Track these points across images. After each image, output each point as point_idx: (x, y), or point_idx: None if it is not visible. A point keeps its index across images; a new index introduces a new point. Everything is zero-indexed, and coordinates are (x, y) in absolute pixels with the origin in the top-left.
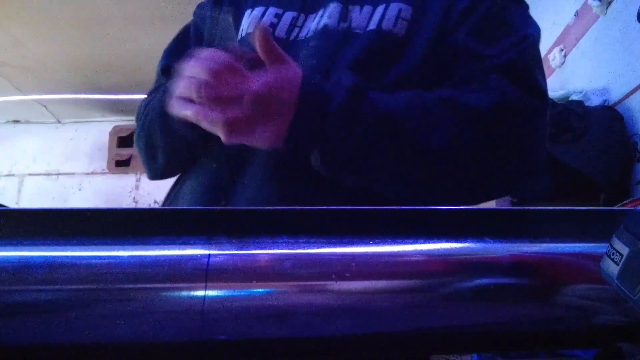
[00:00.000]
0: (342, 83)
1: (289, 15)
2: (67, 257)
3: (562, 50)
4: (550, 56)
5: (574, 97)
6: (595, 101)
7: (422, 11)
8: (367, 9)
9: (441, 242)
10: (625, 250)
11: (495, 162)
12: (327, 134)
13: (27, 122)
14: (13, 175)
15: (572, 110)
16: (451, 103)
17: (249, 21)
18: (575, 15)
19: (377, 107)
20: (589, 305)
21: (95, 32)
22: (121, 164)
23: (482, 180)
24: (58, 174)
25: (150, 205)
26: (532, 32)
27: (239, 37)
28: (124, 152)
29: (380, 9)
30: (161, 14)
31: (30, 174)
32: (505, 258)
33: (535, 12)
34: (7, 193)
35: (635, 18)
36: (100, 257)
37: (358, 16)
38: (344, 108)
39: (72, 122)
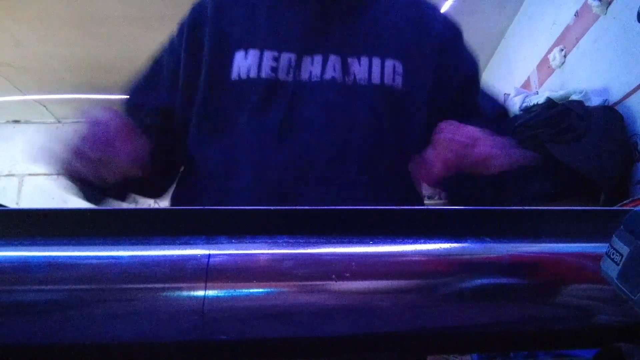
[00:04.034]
0: None
1: (285, 57)
2: (67, 257)
3: (562, 50)
4: (550, 56)
5: (574, 97)
6: (595, 101)
7: (411, 67)
8: (364, 61)
9: (441, 242)
10: (625, 250)
11: None
12: None
13: (27, 122)
14: (13, 175)
15: (572, 110)
16: None
17: (247, 64)
18: (575, 15)
19: None
20: (589, 305)
21: (95, 32)
22: None
23: None
24: (58, 174)
25: (150, 205)
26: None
27: (234, 79)
28: None
29: (376, 63)
30: (161, 14)
31: (30, 174)
32: (505, 258)
33: (535, 12)
34: (7, 193)
35: (635, 18)
36: (100, 257)
37: (359, 69)
38: None
39: (72, 122)
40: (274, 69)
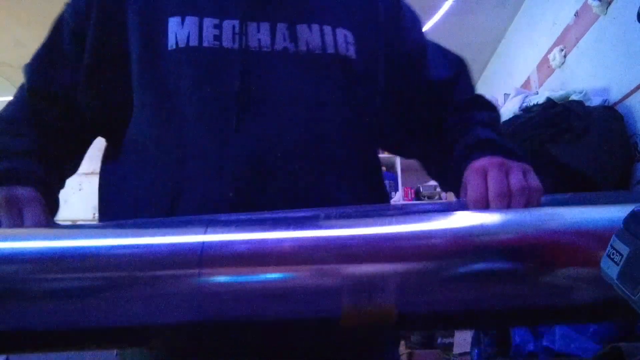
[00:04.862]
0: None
1: (228, 24)
2: (71, 247)
3: (562, 50)
4: (550, 56)
5: (574, 97)
6: (595, 101)
7: (361, 37)
8: (315, 28)
9: (447, 219)
10: (625, 250)
11: None
12: None
13: None
14: None
15: (572, 110)
16: None
17: (185, 32)
18: (575, 15)
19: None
20: (581, 284)
21: None
22: None
23: None
24: None
25: None
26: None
27: (171, 47)
28: None
29: (328, 31)
30: None
31: None
32: (513, 238)
33: (535, 12)
34: None
35: (635, 18)
36: (100, 248)
37: (310, 37)
38: None
39: None
40: (217, 37)
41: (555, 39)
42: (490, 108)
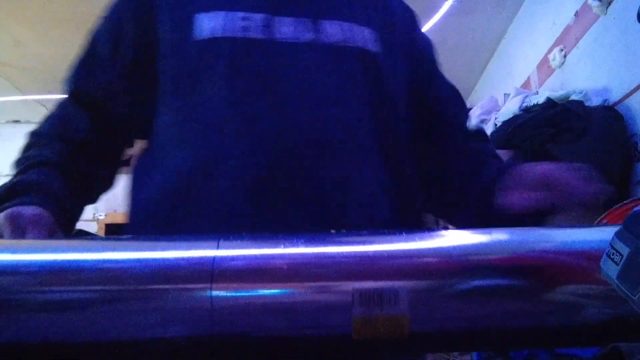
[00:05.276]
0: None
1: (256, 17)
2: (82, 260)
3: (562, 50)
4: (550, 56)
5: (574, 97)
6: (595, 101)
7: (381, 34)
8: (338, 23)
9: (444, 240)
10: (625, 250)
11: None
12: None
13: (27, 122)
14: None
15: (572, 110)
16: None
17: (214, 23)
18: (575, 15)
19: None
20: (589, 303)
21: None
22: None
23: None
24: None
25: None
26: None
27: (199, 37)
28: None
29: (351, 27)
30: None
31: None
32: (505, 257)
33: (535, 12)
34: None
35: (635, 18)
36: (112, 261)
37: (334, 30)
38: None
39: None
40: (245, 29)
41: (555, 39)
42: (490, 142)
